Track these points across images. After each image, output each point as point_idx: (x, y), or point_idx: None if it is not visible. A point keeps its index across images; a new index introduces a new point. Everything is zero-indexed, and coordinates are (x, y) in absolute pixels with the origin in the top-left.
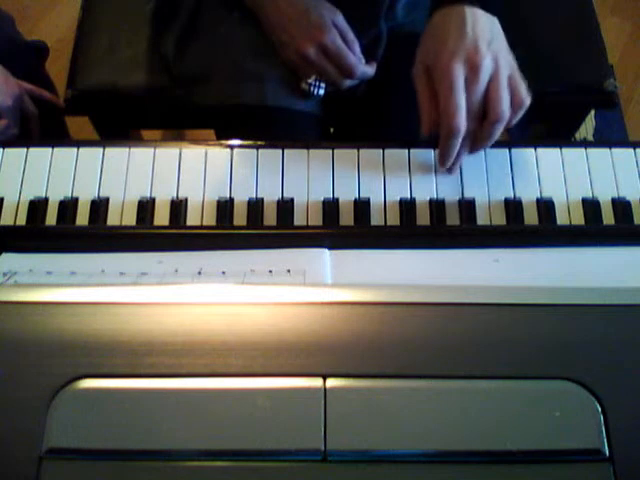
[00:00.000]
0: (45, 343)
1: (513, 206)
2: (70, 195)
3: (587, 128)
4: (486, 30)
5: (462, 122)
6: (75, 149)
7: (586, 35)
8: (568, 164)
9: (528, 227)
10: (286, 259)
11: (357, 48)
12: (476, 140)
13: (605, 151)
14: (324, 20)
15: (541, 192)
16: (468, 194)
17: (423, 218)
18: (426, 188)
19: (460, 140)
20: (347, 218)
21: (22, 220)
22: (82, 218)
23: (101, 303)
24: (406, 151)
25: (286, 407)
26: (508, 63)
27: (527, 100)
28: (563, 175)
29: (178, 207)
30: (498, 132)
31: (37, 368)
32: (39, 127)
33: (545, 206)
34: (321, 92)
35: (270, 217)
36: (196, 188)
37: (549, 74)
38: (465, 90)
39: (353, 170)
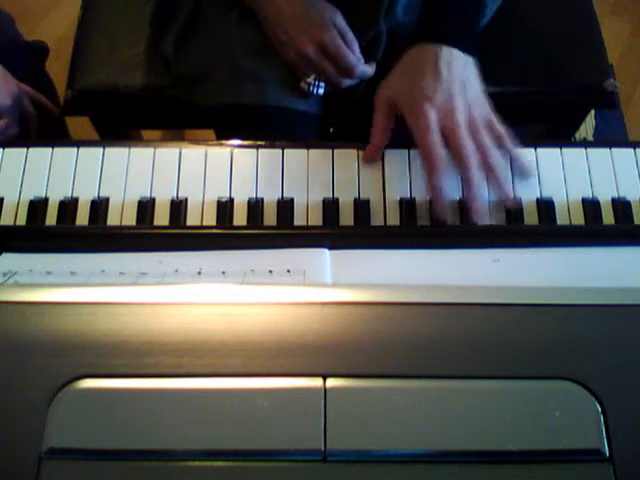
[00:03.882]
0: (45, 343)
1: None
2: (70, 195)
3: (587, 128)
4: (461, 71)
5: (442, 161)
6: (75, 149)
7: (586, 35)
8: (568, 164)
9: (528, 227)
10: (286, 259)
11: (356, 47)
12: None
13: (605, 151)
14: (323, 19)
15: (541, 192)
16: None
17: (423, 218)
18: (426, 188)
19: (442, 175)
20: (347, 218)
21: (22, 220)
22: (82, 218)
23: (101, 303)
24: (406, 151)
25: (286, 407)
26: (482, 105)
27: (505, 132)
28: (563, 175)
29: (178, 207)
30: (497, 160)
31: (37, 368)
32: (37, 127)
33: (545, 206)
34: (320, 91)
35: (270, 217)
36: (196, 188)
37: (549, 74)
38: (448, 138)
39: (353, 170)
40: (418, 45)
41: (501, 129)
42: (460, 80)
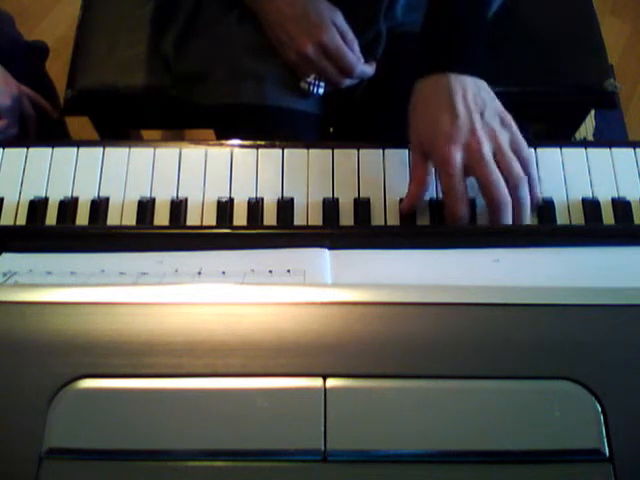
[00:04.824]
0: (45, 343)
1: None
2: (70, 195)
3: (587, 128)
4: (477, 99)
5: (463, 210)
6: (75, 149)
7: (586, 35)
8: (568, 164)
9: (528, 227)
10: (286, 259)
11: (356, 47)
12: (515, 211)
13: (605, 151)
14: (323, 19)
15: (541, 192)
16: (468, 194)
17: (423, 218)
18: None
19: (463, 222)
20: (347, 218)
21: (22, 220)
22: (82, 218)
23: (101, 303)
24: (406, 151)
25: (286, 407)
26: (505, 126)
27: (530, 156)
28: (563, 175)
29: (178, 207)
30: (525, 194)
31: (37, 368)
32: (36, 128)
33: (545, 206)
34: (320, 91)
35: (270, 217)
36: (196, 188)
37: (549, 74)
38: (476, 176)
39: (353, 170)
40: (427, 78)
41: (526, 153)
42: (478, 109)
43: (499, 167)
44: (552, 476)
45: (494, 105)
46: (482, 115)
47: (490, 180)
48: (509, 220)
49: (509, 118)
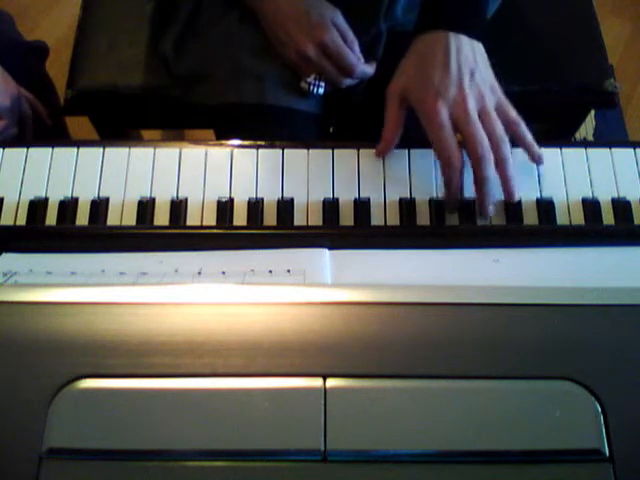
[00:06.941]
0: (45, 343)
1: (513, 206)
2: (70, 195)
3: (587, 128)
4: (470, 59)
5: (457, 157)
6: (75, 149)
7: (586, 35)
8: (568, 164)
9: (528, 227)
10: (286, 259)
11: (356, 47)
12: (497, 168)
13: (605, 151)
14: (324, 19)
15: (541, 192)
16: (468, 194)
17: (423, 218)
18: (426, 188)
19: (457, 169)
20: (347, 218)
21: (22, 220)
22: (82, 218)
23: (101, 303)
24: (406, 151)
25: (286, 407)
26: (493, 92)
27: (519, 119)
28: (563, 175)
29: (178, 207)
30: (507, 154)
31: (37, 368)
32: (33, 128)
33: (545, 206)
34: (320, 91)
35: (270, 217)
36: (196, 188)
37: (549, 74)
38: (459, 128)
39: (353, 170)
40: (425, 34)
41: (514, 114)
42: (469, 69)
43: (483, 127)
44: (552, 476)
45: (486, 71)
46: (472, 75)
47: (472, 134)
48: (489, 174)
49: (497, 87)
